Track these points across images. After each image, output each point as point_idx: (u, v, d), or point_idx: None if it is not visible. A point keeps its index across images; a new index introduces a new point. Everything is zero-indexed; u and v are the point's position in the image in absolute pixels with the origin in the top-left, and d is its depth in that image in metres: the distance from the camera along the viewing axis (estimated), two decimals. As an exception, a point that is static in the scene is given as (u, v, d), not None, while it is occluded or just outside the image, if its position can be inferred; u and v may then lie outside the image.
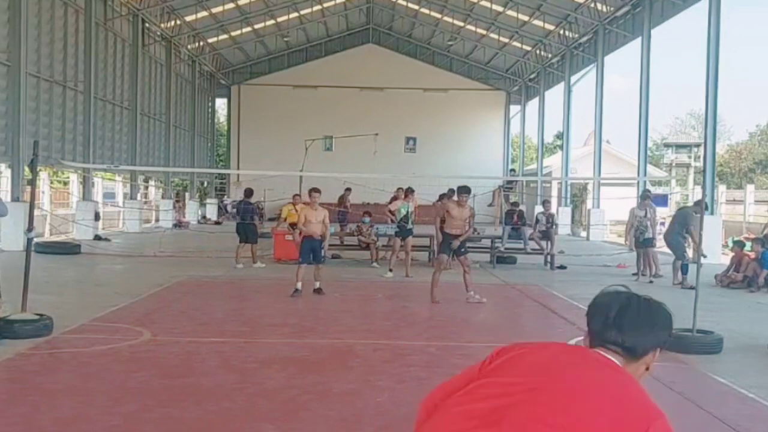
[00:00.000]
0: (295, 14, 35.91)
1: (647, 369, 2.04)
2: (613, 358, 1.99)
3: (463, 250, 11.37)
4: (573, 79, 32.56)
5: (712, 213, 18.40)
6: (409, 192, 15.41)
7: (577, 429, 1.78)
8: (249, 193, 16.78)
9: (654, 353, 2.06)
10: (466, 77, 42.14)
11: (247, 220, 16.08)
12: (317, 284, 11.67)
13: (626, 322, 2.00)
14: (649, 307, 2.07)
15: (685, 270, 13.51)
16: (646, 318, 2.04)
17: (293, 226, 16.75)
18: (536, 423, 1.79)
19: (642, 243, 14.72)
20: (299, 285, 11.32)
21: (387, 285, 13.48)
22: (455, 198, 11.97)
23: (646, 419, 1.82)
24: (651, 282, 14.47)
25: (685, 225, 13.52)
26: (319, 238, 11.68)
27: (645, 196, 15.51)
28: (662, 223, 20.36)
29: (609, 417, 1.79)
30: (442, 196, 16.95)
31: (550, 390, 1.85)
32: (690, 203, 18.73)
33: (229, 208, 39.14)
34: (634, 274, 14.98)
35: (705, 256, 13.99)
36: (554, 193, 33.02)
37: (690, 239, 13.55)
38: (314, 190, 12.09)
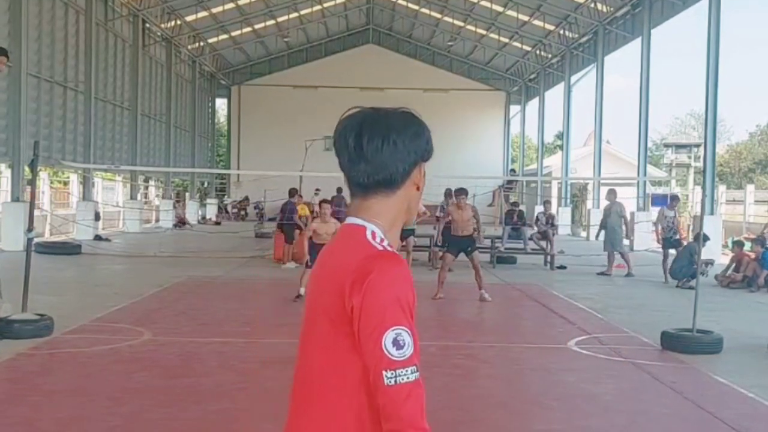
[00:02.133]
0: (295, 14, 35.91)
1: (418, 188, 1.76)
2: (363, 220, 1.71)
3: (469, 249, 11.50)
4: (573, 79, 32.57)
5: (712, 213, 18.41)
6: None
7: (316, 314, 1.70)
8: (293, 192, 16.93)
9: (418, 168, 1.74)
10: (466, 77, 42.14)
11: (289, 219, 16.13)
12: None
13: (370, 148, 1.68)
14: (384, 120, 1.72)
15: (693, 275, 13.57)
16: (385, 134, 1.69)
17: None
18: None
19: (672, 243, 14.78)
20: (302, 290, 10.88)
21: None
22: (453, 200, 12.27)
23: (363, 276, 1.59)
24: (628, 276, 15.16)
25: (691, 257, 13.57)
26: None
27: (674, 198, 15.87)
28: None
29: (336, 288, 1.63)
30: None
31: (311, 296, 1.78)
32: (690, 204, 18.79)
33: (229, 208, 39.24)
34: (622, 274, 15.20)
35: (710, 266, 14.24)
36: (554, 193, 33.00)
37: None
38: (325, 201, 11.87)
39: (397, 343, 1.54)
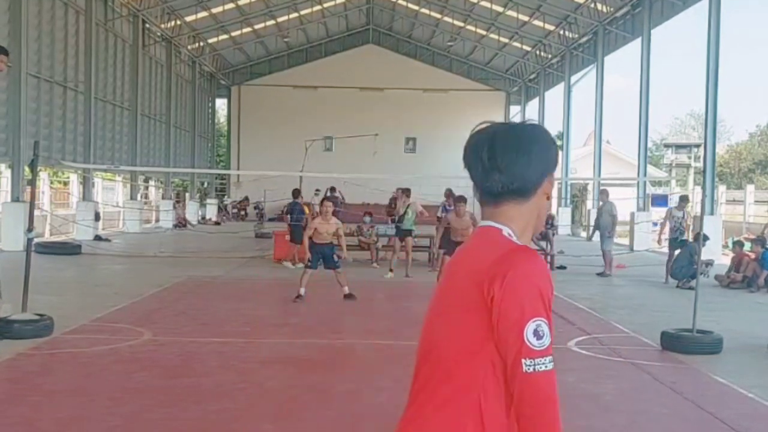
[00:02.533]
0: (295, 14, 35.91)
1: (548, 197, 1.89)
2: (498, 223, 1.82)
3: None
4: (573, 79, 32.58)
5: (712, 213, 18.41)
6: (405, 192, 15.45)
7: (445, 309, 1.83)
8: (296, 193, 17.05)
9: (548, 178, 1.86)
10: (466, 78, 42.15)
11: (295, 220, 16.24)
12: (346, 290, 11.21)
13: (504, 160, 1.79)
14: (516, 133, 1.84)
15: (693, 275, 13.54)
16: (517, 146, 1.81)
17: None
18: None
19: (679, 243, 14.72)
20: (302, 291, 10.99)
21: (387, 285, 13.49)
22: (452, 207, 12.62)
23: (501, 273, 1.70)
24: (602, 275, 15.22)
25: (691, 257, 13.54)
26: (330, 244, 11.27)
27: (684, 199, 15.82)
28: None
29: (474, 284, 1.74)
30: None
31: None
32: (690, 204, 18.74)
33: (229, 208, 39.25)
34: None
35: (710, 267, 14.24)
36: (554, 193, 33.01)
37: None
38: (327, 199, 11.81)
39: (537, 334, 1.69)
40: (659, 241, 16.30)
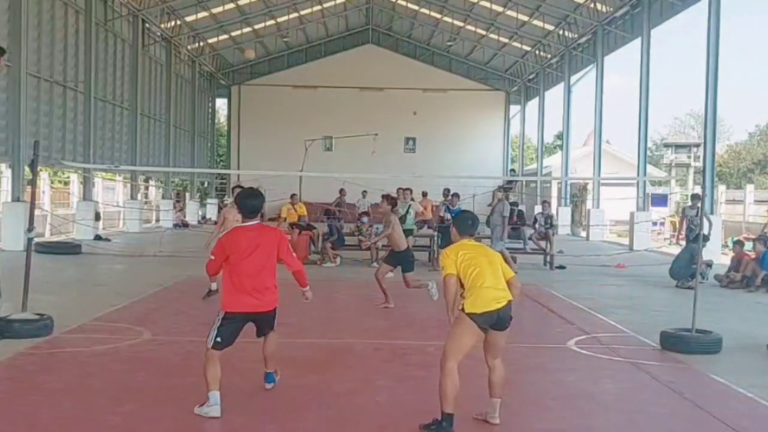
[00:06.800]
0: (295, 14, 35.92)
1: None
2: None
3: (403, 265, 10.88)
4: (572, 79, 32.59)
5: (712, 213, 18.42)
6: (407, 192, 15.47)
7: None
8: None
9: None
10: (466, 77, 42.14)
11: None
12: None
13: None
14: None
15: (692, 275, 13.52)
16: None
17: (293, 225, 16.87)
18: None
19: (693, 241, 14.65)
20: (214, 285, 10.55)
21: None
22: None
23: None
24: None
25: (691, 257, 13.50)
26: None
27: (696, 197, 15.78)
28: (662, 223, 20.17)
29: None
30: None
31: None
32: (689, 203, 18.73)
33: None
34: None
35: (709, 268, 14.22)
36: (554, 193, 33.02)
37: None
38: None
39: None
40: (677, 241, 16.18)
